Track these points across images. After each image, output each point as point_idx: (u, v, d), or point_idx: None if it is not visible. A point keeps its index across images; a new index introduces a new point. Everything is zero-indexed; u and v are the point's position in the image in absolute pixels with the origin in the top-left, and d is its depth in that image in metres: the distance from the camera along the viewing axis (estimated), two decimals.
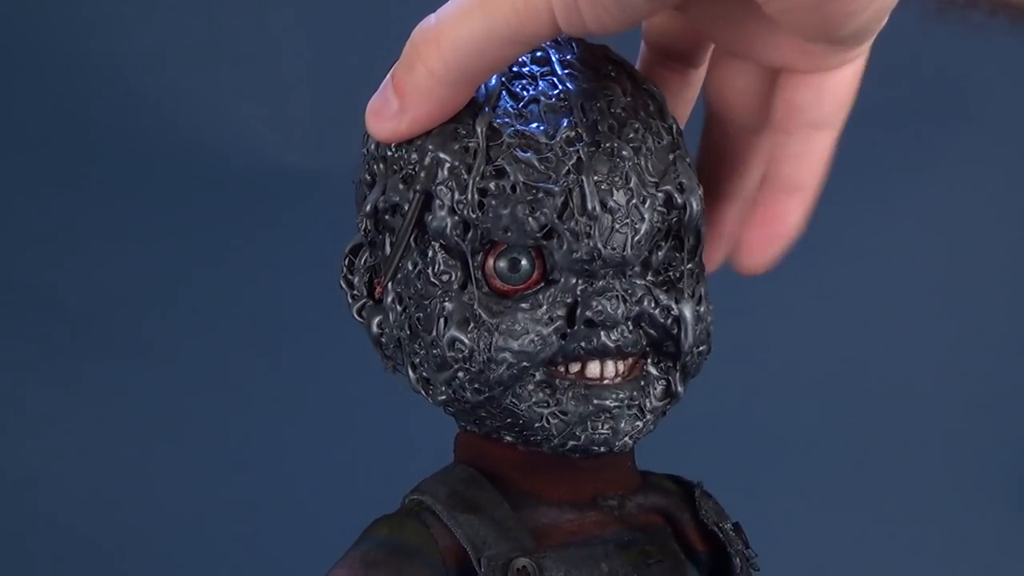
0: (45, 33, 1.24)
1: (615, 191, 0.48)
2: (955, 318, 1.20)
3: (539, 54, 0.50)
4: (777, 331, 1.20)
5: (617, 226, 0.48)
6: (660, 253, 0.50)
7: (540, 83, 0.50)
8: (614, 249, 0.48)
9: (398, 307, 0.51)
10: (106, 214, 1.23)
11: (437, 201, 0.49)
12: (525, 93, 0.49)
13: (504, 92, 0.49)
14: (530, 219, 0.48)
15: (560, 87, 0.49)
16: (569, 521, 0.51)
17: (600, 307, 0.48)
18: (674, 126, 0.50)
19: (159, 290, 1.23)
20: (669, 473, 0.56)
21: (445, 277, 0.49)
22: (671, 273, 0.50)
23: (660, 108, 0.50)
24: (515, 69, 0.50)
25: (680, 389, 0.51)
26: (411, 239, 0.50)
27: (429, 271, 0.50)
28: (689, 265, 0.50)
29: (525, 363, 0.48)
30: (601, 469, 0.52)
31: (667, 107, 0.51)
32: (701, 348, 0.51)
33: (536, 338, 0.48)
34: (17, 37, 1.24)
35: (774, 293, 1.17)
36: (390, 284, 0.51)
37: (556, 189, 0.48)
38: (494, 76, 0.49)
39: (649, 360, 0.50)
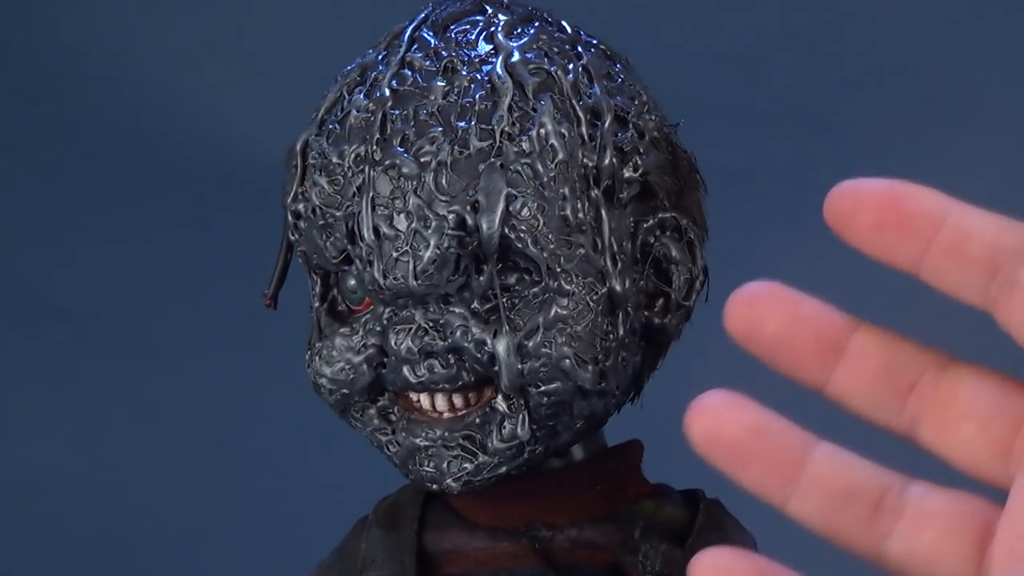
0: (45, 34, 1.24)
1: (395, 215, 0.43)
2: (956, 317, 1.20)
3: (398, 48, 0.46)
4: None
5: (396, 254, 0.43)
6: (482, 279, 0.44)
7: (365, 91, 0.45)
8: (396, 279, 0.43)
9: None
10: (106, 214, 1.23)
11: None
12: (347, 105, 0.45)
13: (340, 103, 0.46)
14: (327, 244, 0.45)
15: (377, 93, 0.45)
16: (477, 549, 0.47)
17: (388, 341, 0.44)
18: (500, 129, 0.43)
19: (159, 290, 1.23)
20: (696, 492, 0.50)
21: (311, 294, 0.48)
22: (504, 301, 0.44)
23: (493, 107, 0.44)
24: (366, 72, 0.46)
25: (522, 432, 0.44)
26: (289, 253, 0.49)
27: (308, 287, 0.48)
28: (531, 291, 0.44)
29: (344, 390, 0.46)
30: (534, 494, 0.47)
31: (513, 104, 0.44)
32: (548, 387, 0.44)
33: (347, 367, 0.45)
34: (18, 38, 1.24)
35: None
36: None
37: (339, 214, 0.44)
38: (338, 82, 0.46)
39: (500, 396, 0.45)
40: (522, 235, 0.43)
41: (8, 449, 1.20)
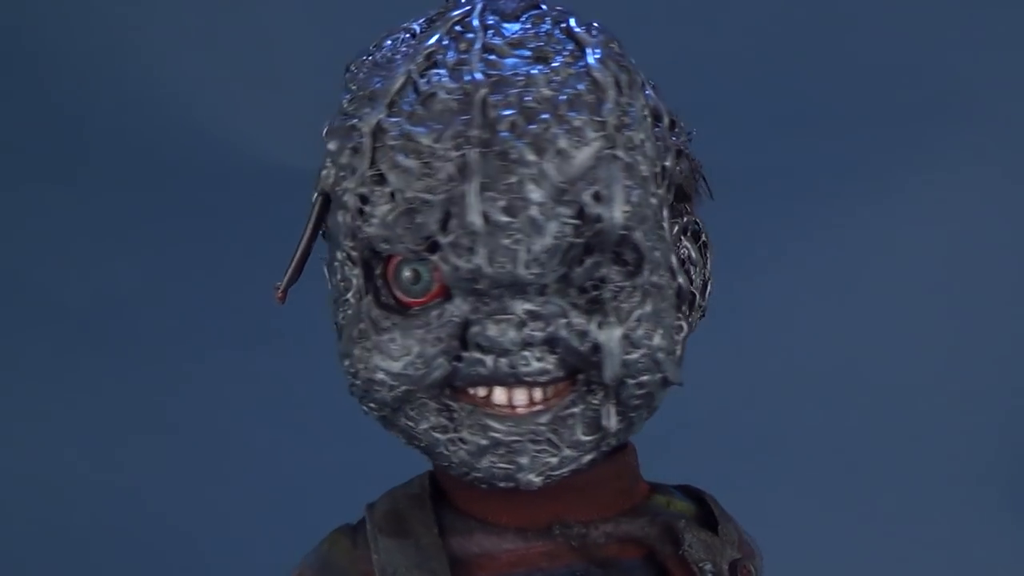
0: (45, 33, 1.24)
1: (506, 201, 0.41)
2: (955, 317, 1.20)
3: (468, 34, 0.44)
4: (777, 331, 1.20)
5: (507, 242, 0.41)
6: (582, 268, 0.43)
7: (447, 74, 0.43)
8: (502, 268, 0.42)
9: (331, 312, 0.48)
10: (106, 214, 1.23)
11: (333, 204, 0.45)
12: (427, 87, 0.43)
13: (411, 86, 0.44)
14: (408, 231, 0.43)
15: (468, 77, 0.43)
16: (509, 551, 0.46)
17: (485, 332, 0.43)
18: (610, 122, 0.43)
19: (158, 290, 1.23)
20: (689, 486, 0.51)
21: (345, 284, 0.46)
22: (602, 292, 0.43)
23: (599, 100, 0.43)
24: (433, 57, 0.44)
25: (611, 423, 0.44)
26: (312, 242, 0.47)
27: (338, 276, 0.46)
28: (631, 282, 0.44)
29: (408, 386, 0.44)
30: (561, 493, 0.46)
31: (616, 99, 0.43)
32: (642, 378, 0.44)
33: (419, 360, 0.44)
34: (17, 37, 1.24)
35: (775, 292, 1.17)
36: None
37: (434, 199, 0.42)
38: (400, 67, 0.44)
39: (580, 388, 0.44)
40: (634, 226, 0.43)
41: (8, 449, 1.20)
